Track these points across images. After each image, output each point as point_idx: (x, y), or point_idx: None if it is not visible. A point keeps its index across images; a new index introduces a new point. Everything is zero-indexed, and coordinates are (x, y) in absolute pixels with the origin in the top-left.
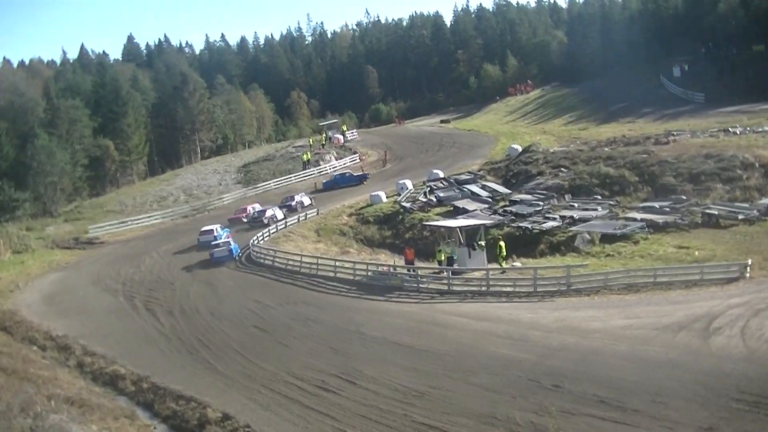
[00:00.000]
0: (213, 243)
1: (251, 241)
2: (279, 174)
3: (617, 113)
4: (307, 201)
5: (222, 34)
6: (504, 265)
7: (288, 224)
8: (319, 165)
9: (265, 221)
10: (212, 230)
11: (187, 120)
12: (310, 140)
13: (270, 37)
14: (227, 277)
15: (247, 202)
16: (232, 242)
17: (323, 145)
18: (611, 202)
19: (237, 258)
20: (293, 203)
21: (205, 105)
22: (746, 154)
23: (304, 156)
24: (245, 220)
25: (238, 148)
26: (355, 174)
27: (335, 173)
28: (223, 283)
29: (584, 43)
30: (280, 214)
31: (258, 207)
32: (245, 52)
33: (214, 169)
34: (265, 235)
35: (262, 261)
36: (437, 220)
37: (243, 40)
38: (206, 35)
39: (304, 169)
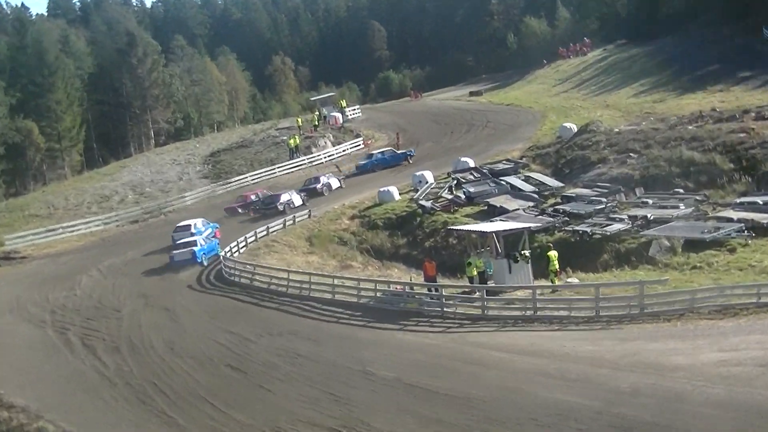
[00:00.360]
0: (180, 242)
1: (222, 253)
2: (258, 165)
3: (705, 79)
4: (335, 184)
5: None
6: (556, 281)
7: (271, 230)
8: (311, 152)
9: (280, 208)
10: (189, 226)
11: (136, 95)
12: (299, 120)
13: None
14: (191, 301)
15: (217, 200)
16: (201, 242)
17: (316, 126)
18: (697, 197)
19: (203, 263)
20: (318, 186)
21: (160, 75)
22: None
23: (291, 141)
24: (253, 202)
25: (204, 132)
26: (398, 152)
27: (375, 152)
28: (186, 308)
29: None
30: (297, 200)
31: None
32: (212, 4)
33: (172, 160)
34: (240, 246)
35: (236, 279)
36: (466, 224)
37: None
38: None
39: (291, 158)
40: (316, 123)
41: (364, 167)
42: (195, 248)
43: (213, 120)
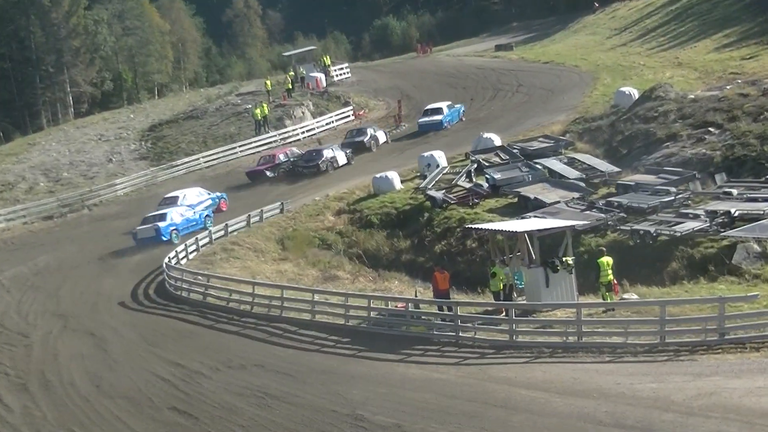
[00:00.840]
0: (149, 216)
1: (165, 260)
2: (213, 142)
3: None
4: (382, 137)
5: None
6: (608, 297)
7: (231, 229)
8: (285, 126)
9: (323, 167)
10: (176, 198)
11: (49, 47)
12: (268, 83)
13: None
14: (125, 323)
15: (158, 188)
16: (173, 216)
17: (290, 90)
18: None
19: (172, 241)
20: (366, 139)
21: (81, 20)
22: None
23: (258, 111)
24: (283, 162)
25: (141, 98)
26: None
27: (439, 109)
28: (118, 333)
29: None
30: (342, 157)
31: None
32: None
33: (98, 135)
34: (190, 250)
35: (184, 294)
36: (490, 221)
37: None
38: None
39: (257, 133)
40: (291, 86)
41: (425, 126)
42: (160, 223)
43: (153, 82)
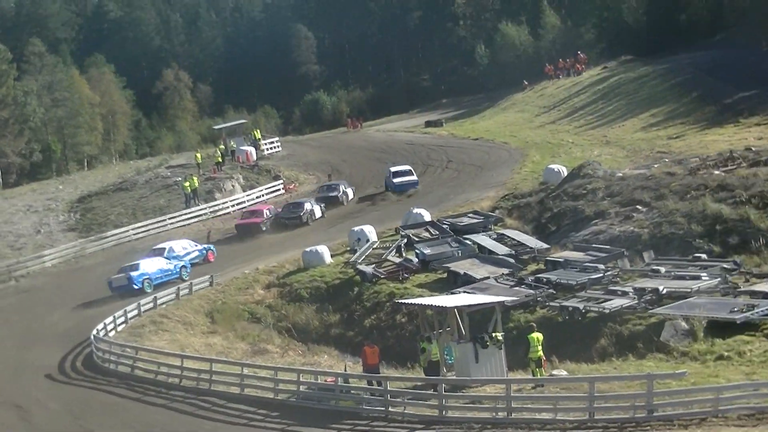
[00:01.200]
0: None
1: (93, 332)
2: (143, 214)
3: (736, 108)
4: (351, 193)
5: None
6: (538, 373)
7: (160, 302)
8: (215, 199)
9: (303, 218)
10: (163, 249)
11: None
12: (198, 156)
13: None
14: (50, 396)
15: (87, 260)
16: (147, 266)
17: (220, 163)
18: (726, 265)
19: (144, 289)
20: (339, 194)
21: (10, 91)
22: None
23: (187, 184)
24: (267, 218)
25: (70, 170)
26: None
27: (408, 170)
28: (43, 405)
29: None
30: (318, 211)
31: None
32: None
33: (27, 206)
34: (118, 322)
35: (112, 366)
36: (420, 296)
37: None
38: None
39: (187, 206)
40: (221, 159)
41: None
42: (132, 273)
43: (82, 154)
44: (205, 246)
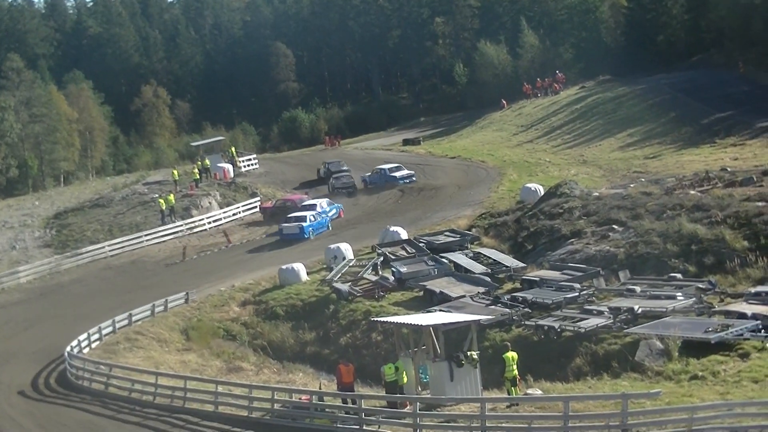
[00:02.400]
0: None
1: (67, 349)
2: (119, 231)
3: (712, 129)
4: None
5: None
6: (513, 392)
7: (135, 318)
8: (191, 215)
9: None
10: (315, 205)
11: None
12: (176, 173)
13: None
14: (22, 413)
15: (62, 276)
16: (311, 218)
17: (197, 181)
18: (701, 285)
19: (310, 237)
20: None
21: None
22: None
23: (162, 200)
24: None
25: (46, 185)
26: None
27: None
28: (16, 422)
29: (658, 7)
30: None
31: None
32: (61, 14)
33: (2, 222)
34: (92, 339)
35: (85, 383)
36: (395, 315)
37: None
38: None
39: (163, 223)
40: (198, 177)
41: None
42: (303, 224)
43: (59, 170)
44: (337, 205)
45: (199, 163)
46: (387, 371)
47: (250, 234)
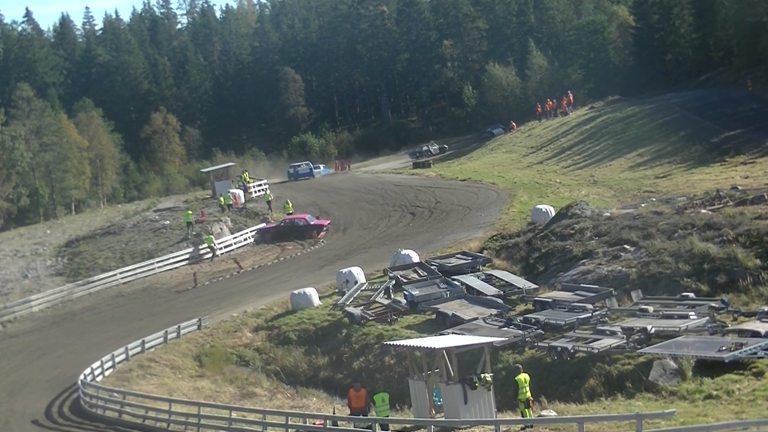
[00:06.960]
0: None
1: (80, 377)
2: (131, 258)
3: (722, 147)
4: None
5: (27, 9)
6: (527, 414)
7: (148, 345)
8: (203, 242)
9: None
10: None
11: None
12: (189, 214)
13: (113, 15)
14: None
15: (75, 305)
16: None
17: (230, 206)
18: (714, 304)
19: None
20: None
21: None
22: None
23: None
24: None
25: (57, 214)
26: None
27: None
28: None
29: (666, 26)
30: None
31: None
32: (70, 41)
33: (14, 251)
34: (106, 367)
35: (99, 412)
36: (408, 338)
37: (65, 20)
38: None
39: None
40: (224, 203)
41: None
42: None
43: (70, 198)
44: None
45: (222, 198)
46: (376, 399)
47: (261, 260)
